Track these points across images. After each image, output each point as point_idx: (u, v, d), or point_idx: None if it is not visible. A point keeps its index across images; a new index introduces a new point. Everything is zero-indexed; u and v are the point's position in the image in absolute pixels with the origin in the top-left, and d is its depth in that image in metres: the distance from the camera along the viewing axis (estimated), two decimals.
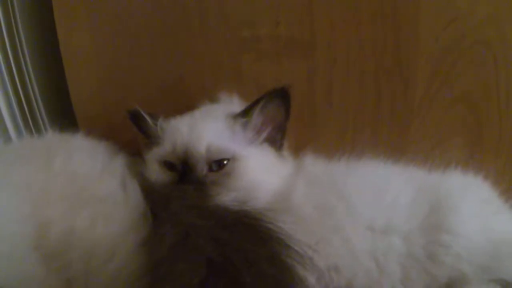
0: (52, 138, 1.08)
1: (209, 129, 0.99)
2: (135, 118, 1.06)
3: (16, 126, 1.31)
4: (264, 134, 1.01)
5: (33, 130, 1.33)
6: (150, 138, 1.05)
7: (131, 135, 1.13)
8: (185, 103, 1.14)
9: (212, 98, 1.13)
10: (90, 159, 0.98)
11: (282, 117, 1.01)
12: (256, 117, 0.99)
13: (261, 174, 0.99)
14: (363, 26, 1.08)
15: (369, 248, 0.91)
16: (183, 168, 0.97)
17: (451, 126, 1.13)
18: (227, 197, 0.95)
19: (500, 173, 1.12)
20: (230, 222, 0.82)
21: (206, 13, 1.12)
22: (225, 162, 0.97)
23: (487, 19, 1.04)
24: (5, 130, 1.28)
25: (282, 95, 0.98)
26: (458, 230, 0.91)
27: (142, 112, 1.03)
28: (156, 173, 1.01)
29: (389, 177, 0.99)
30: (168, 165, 1.00)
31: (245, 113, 1.00)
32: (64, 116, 1.32)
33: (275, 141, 1.03)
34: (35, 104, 1.33)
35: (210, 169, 0.97)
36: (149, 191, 0.91)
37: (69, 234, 0.81)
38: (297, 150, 1.09)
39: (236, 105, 1.10)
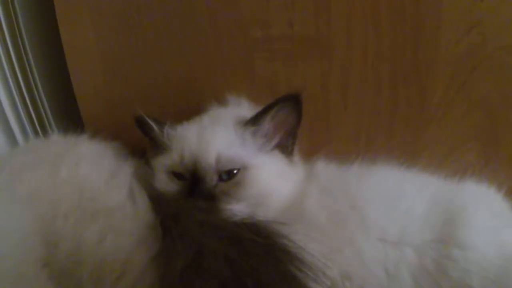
0: (58, 142, 1.05)
1: (218, 137, 0.96)
2: (141, 124, 1.03)
3: (22, 126, 1.28)
4: (275, 141, 0.98)
5: (39, 129, 1.30)
6: (156, 145, 1.02)
7: (137, 133, 1.10)
8: (193, 103, 1.11)
9: (220, 100, 1.09)
10: (97, 166, 0.94)
11: (294, 123, 0.98)
12: (267, 124, 0.96)
13: (272, 182, 0.96)
14: (382, 28, 1.03)
15: (381, 258, 0.90)
16: (192, 178, 0.94)
17: (467, 132, 1.10)
18: (238, 207, 0.92)
19: None
20: (243, 240, 0.79)
21: (215, 12, 1.07)
22: (235, 171, 0.94)
23: (509, 25, 1.00)
24: (10, 131, 1.25)
25: (294, 101, 0.95)
26: (469, 245, 0.88)
27: (147, 119, 1.00)
28: (164, 182, 0.98)
29: (402, 186, 0.96)
30: (176, 175, 0.97)
31: (256, 120, 0.97)
32: (70, 115, 1.28)
33: (286, 147, 1.00)
34: (40, 104, 1.30)
35: (220, 179, 0.94)
36: (158, 202, 0.88)
37: (78, 250, 0.80)
38: (310, 154, 1.06)
39: (245, 108, 1.07)
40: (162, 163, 0.99)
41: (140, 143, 1.11)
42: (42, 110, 1.30)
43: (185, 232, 0.79)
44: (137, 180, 0.95)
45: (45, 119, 1.32)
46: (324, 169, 1.02)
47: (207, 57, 1.11)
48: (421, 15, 1.01)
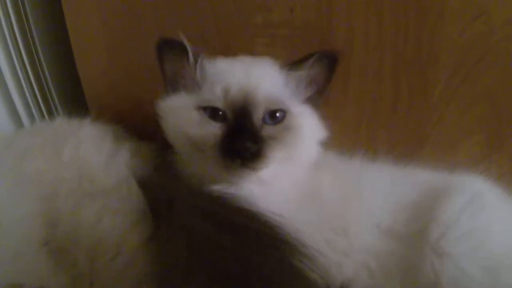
0: (62, 125, 1.07)
1: (267, 76, 0.95)
2: (172, 50, 0.94)
3: (28, 109, 1.31)
4: (308, 93, 1.00)
5: (45, 112, 1.34)
6: (180, 81, 0.96)
7: (139, 114, 1.11)
8: None
9: None
10: (97, 149, 0.97)
11: (326, 78, 0.99)
12: (306, 73, 0.97)
13: (312, 131, 0.98)
14: (384, 14, 1.01)
15: (374, 244, 0.91)
16: (238, 116, 0.89)
17: (471, 124, 1.09)
18: (281, 153, 0.91)
19: None
20: (236, 227, 0.80)
21: None
22: (277, 115, 0.93)
23: None
24: (16, 113, 1.29)
25: (330, 57, 0.96)
26: (447, 251, 0.86)
27: (184, 41, 0.92)
28: (195, 123, 0.91)
29: (396, 180, 0.97)
30: (213, 112, 0.91)
31: (297, 66, 0.97)
32: (75, 98, 1.33)
33: (316, 103, 1.01)
34: (46, 87, 1.33)
35: (264, 122, 0.92)
36: (153, 187, 0.89)
37: (76, 230, 0.83)
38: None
39: None
40: (192, 101, 0.93)
41: (143, 125, 1.12)
42: (48, 93, 1.33)
43: (176, 216, 0.81)
44: (134, 162, 0.98)
45: (50, 102, 1.35)
46: (335, 159, 1.03)
47: (209, 42, 1.11)
48: (424, 6, 0.99)
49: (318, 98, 1.00)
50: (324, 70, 0.98)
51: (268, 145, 0.89)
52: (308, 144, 0.97)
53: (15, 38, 1.25)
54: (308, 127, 0.96)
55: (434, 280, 0.86)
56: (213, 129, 0.89)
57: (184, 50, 0.93)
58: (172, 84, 0.97)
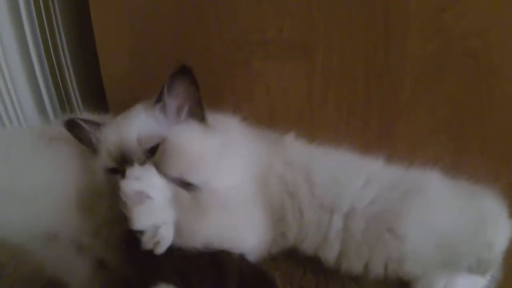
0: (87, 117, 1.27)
1: (133, 123, 1.03)
2: (72, 127, 1.10)
3: (54, 106, 1.54)
4: (185, 112, 1.04)
5: (68, 110, 1.56)
6: (90, 145, 1.09)
7: None
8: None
9: None
10: None
11: (193, 92, 1.03)
12: (169, 99, 1.03)
13: (194, 144, 1.02)
14: (356, 34, 1.20)
15: (316, 220, 1.08)
16: (122, 165, 0.97)
17: (435, 126, 1.24)
18: (172, 172, 0.97)
19: (484, 172, 1.18)
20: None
21: (221, 18, 1.28)
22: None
23: (472, 32, 1.13)
24: (45, 110, 1.52)
25: (183, 73, 1.01)
26: (402, 234, 1.01)
27: (79, 121, 1.08)
28: (104, 183, 1.04)
29: (346, 166, 1.12)
30: (112, 171, 1.03)
31: (158, 98, 1.04)
32: (97, 100, 1.48)
33: (197, 115, 1.05)
34: (71, 89, 1.56)
35: (147, 158, 0.99)
36: None
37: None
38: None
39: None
40: (98, 165, 1.06)
41: None
42: (72, 95, 1.57)
43: None
44: None
45: (74, 101, 1.59)
46: (291, 144, 1.18)
47: (214, 56, 1.32)
48: (390, 22, 1.16)
49: (196, 109, 1.05)
50: (183, 86, 1.02)
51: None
52: (194, 156, 1.01)
53: (46, 40, 1.47)
54: (188, 141, 1.01)
55: (392, 259, 1.02)
56: (115, 181, 0.96)
57: (80, 125, 1.08)
58: (91, 148, 1.10)
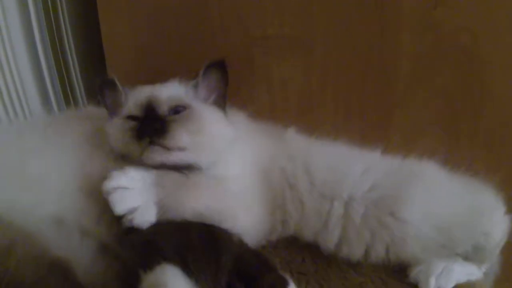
0: (92, 110, 1.33)
1: (168, 87, 1.12)
2: (108, 87, 1.13)
3: (59, 101, 1.59)
4: (211, 99, 1.13)
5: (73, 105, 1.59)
6: (115, 108, 1.13)
7: None
8: None
9: None
10: None
11: (222, 85, 1.13)
12: (202, 82, 1.11)
13: (214, 125, 1.09)
14: (353, 29, 1.26)
15: (317, 208, 1.12)
16: (145, 112, 1.04)
17: (429, 118, 1.29)
18: (186, 134, 1.02)
19: (475, 163, 1.23)
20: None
21: (225, 15, 1.34)
22: (179, 109, 1.06)
23: (463, 27, 1.19)
24: (49, 103, 1.57)
25: (219, 67, 1.11)
26: (403, 217, 1.05)
27: (115, 79, 1.12)
28: (119, 127, 1.07)
29: (345, 156, 1.17)
30: (130, 118, 1.06)
31: (194, 79, 1.12)
32: None
33: (220, 105, 1.13)
34: (76, 83, 1.63)
35: (169, 114, 1.05)
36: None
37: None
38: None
39: None
40: (119, 117, 1.10)
41: None
42: (78, 90, 1.63)
43: None
44: None
45: (79, 98, 1.65)
46: (292, 137, 1.23)
47: (217, 51, 1.35)
48: (385, 19, 1.23)
49: (221, 101, 1.13)
50: (216, 76, 1.12)
51: (172, 125, 1.01)
52: (211, 134, 1.07)
53: (54, 41, 1.53)
54: (208, 120, 1.08)
55: (394, 241, 1.05)
56: (130, 125, 1.04)
57: (116, 86, 1.12)
58: (111, 112, 1.14)
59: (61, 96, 1.60)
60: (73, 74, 1.62)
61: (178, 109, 1.05)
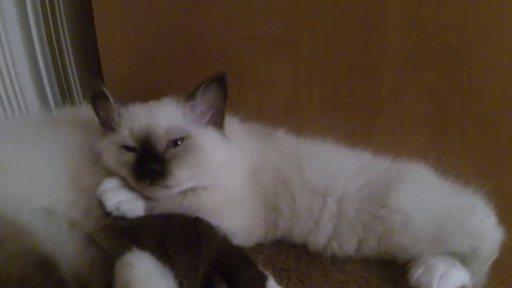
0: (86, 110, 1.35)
1: (164, 112, 1.09)
2: (98, 97, 1.11)
3: (55, 100, 1.65)
4: (208, 117, 1.11)
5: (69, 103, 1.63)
6: (107, 123, 1.12)
7: None
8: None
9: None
10: None
11: (221, 100, 1.10)
12: (199, 100, 1.09)
13: (212, 151, 1.09)
14: (338, 29, 1.27)
15: (308, 206, 1.13)
16: (143, 147, 1.04)
17: (416, 119, 1.29)
18: (185, 172, 1.05)
19: (464, 165, 1.24)
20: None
21: (214, 17, 1.36)
22: (179, 142, 1.06)
23: (449, 26, 1.18)
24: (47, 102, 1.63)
25: (218, 81, 1.08)
26: (394, 206, 1.06)
27: (107, 92, 1.09)
28: (115, 155, 1.08)
29: (336, 154, 1.19)
30: (127, 148, 1.07)
31: (191, 96, 1.10)
32: None
33: (217, 123, 1.12)
34: (73, 82, 1.67)
35: (168, 148, 1.06)
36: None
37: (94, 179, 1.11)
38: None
39: None
40: (113, 140, 1.09)
41: None
42: (74, 88, 1.67)
43: None
44: None
45: (76, 98, 1.69)
46: (282, 137, 1.25)
47: (206, 51, 1.40)
48: (370, 18, 1.23)
49: (219, 118, 1.12)
50: (216, 92, 1.09)
51: (172, 164, 1.03)
52: (211, 158, 1.09)
53: (51, 40, 1.58)
54: (208, 146, 1.08)
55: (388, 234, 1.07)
56: (127, 157, 1.06)
57: (108, 98, 1.09)
58: (105, 125, 1.13)
59: (58, 95, 1.65)
60: (70, 73, 1.67)
61: (175, 143, 1.06)
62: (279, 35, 1.32)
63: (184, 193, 1.09)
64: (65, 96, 1.67)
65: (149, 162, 1.02)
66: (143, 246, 0.89)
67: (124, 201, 1.03)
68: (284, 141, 1.24)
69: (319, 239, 1.13)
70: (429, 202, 1.08)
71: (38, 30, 1.56)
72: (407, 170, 1.15)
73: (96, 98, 1.11)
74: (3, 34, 1.47)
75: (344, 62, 1.29)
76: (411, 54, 1.23)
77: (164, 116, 1.08)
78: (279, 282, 0.99)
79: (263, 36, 1.34)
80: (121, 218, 1.03)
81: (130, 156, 1.06)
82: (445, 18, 1.18)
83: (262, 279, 0.94)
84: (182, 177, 1.04)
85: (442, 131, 1.28)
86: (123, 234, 1.00)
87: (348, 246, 1.11)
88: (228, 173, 1.13)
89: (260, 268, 0.98)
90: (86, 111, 1.36)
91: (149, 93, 1.21)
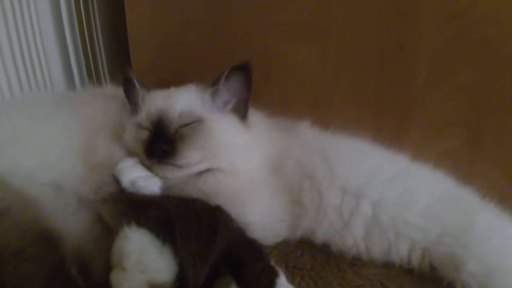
0: (110, 89, 1.38)
1: (182, 97, 1.12)
2: (128, 84, 1.18)
3: (82, 79, 1.67)
4: (230, 105, 1.12)
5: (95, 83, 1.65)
6: (133, 106, 1.18)
7: None
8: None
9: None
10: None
11: (245, 90, 1.11)
12: (222, 88, 1.10)
13: (226, 136, 1.09)
14: (370, 17, 1.21)
15: (337, 204, 1.05)
16: (155, 128, 1.08)
17: (451, 117, 1.21)
18: (195, 154, 1.06)
19: (500, 169, 1.17)
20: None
21: (242, 3, 1.33)
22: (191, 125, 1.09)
23: (487, 17, 1.11)
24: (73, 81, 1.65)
25: (243, 70, 1.08)
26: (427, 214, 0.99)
27: (134, 79, 1.16)
28: (132, 133, 1.13)
29: (369, 151, 1.12)
30: (142, 127, 1.12)
31: (214, 83, 1.11)
32: None
33: (240, 112, 1.13)
34: (100, 63, 1.69)
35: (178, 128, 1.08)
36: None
37: (109, 157, 1.11)
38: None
39: None
40: (133, 120, 1.15)
41: None
42: (101, 71, 1.69)
43: None
44: None
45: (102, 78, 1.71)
46: (307, 129, 1.19)
47: (233, 37, 1.37)
48: (404, 9, 1.17)
49: (242, 107, 1.12)
50: (239, 81, 1.09)
51: (180, 144, 1.05)
52: (222, 145, 1.08)
53: (81, 19, 1.60)
54: (221, 130, 1.09)
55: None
56: (142, 136, 1.10)
57: (134, 85, 1.16)
58: (132, 108, 1.19)
59: (85, 73, 1.66)
60: (98, 52, 1.68)
61: (186, 125, 1.08)
62: (308, 22, 1.27)
63: (202, 175, 1.09)
64: (91, 74, 1.69)
65: (158, 141, 1.05)
66: (141, 223, 0.88)
67: (141, 177, 1.05)
68: (309, 133, 1.18)
69: (346, 241, 1.05)
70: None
71: (70, 16, 1.58)
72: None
73: (126, 84, 1.18)
74: (35, 18, 1.50)
75: (375, 52, 1.23)
76: (447, 47, 1.16)
77: (181, 100, 1.11)
78: (291, 280, 0.94)
79: (291, 22, 1.30)
80: (133, 195, 1.04)
81: (144, 135, 1.10)
82: (484, 10, 1.10)
83: (272, 275, 0.88)
84: (191, 157, 1.06)
85: (477, 132, 1.20)
86: (129, 211, 0.96)
87: (376, 250, 1.03)
88: (248, 159, 1.12)
89: (273, 263, 0.92)
90: (110, 91, 1.39)
91: (176, 79, 1.22)
